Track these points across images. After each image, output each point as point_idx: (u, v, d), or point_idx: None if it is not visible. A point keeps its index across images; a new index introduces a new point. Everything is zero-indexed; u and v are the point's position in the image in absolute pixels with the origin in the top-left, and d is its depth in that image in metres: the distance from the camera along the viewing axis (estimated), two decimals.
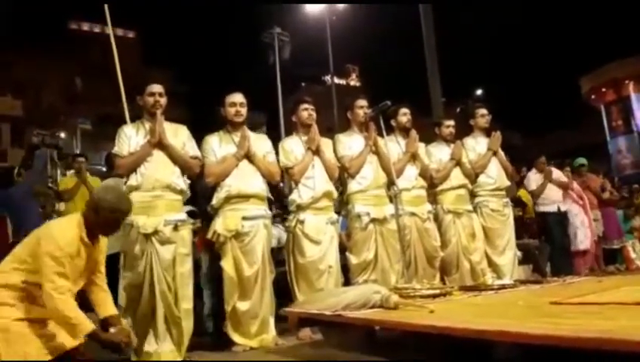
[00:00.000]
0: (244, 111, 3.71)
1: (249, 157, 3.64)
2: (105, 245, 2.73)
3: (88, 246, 2.53)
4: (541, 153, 6.49)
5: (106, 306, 2.67)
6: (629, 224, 7.72)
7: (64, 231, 2.44)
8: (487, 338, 1.95)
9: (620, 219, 7.48)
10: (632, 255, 7.44)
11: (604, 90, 24.64)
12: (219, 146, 3.66)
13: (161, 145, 3.33)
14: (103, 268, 2.72)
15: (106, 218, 2.53)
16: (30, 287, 2.42)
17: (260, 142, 3.79)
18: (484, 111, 4.92)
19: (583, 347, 1.61)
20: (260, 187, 3.64)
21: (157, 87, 3.41)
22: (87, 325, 2.36)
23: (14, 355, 2.28)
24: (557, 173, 6.36)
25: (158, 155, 3.33)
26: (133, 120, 3.53)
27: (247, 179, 3.59)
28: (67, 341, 2.46)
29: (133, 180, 3.28)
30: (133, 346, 2.72)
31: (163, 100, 3.40)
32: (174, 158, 3.36)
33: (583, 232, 6.41)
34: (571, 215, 6.31)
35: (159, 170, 3.30)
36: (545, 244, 6.27)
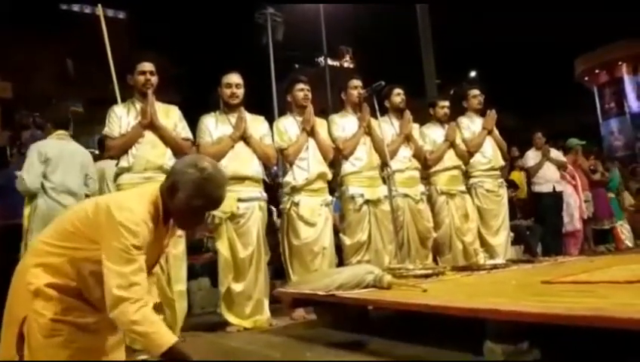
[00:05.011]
0: (240, 92, 3.66)
1: (245, 139, 3.60)
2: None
3: (161, 232, 1.82)
4: (536, 131, 6.49)
5: None
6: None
7: (137, 210, 1.70)
8: (480, 317, 1.96)
9: (609, 200, 7.53)
10: (622, 235, 7.53)
11: (597, 71, 24.60)
12: (215, 127, 3.62)
13: (152, 126, 3.29)
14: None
15: (179, 204, 1.74)
16: (75, 274, 1.73)
17: (256, 124, 3.75)
18: (475, 92, 4.90)
19: (576, 324, 1.63)
20: (256, 169, 3.62)
21: (148, 66, 3.35)
22: (166, 338, 1.64)
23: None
24: (555, 153, 6.41)
25: (149, 136, 3.29)
26: (124, 101, 3.47)
27: (242, 161, 3.56)
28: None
29: (124, 162, 3.26)
30: None
31: (154, 79, 3.35)
32: (166, 139, 3.33)
33: (575, 213, 6.49)
34: (565, 195, 6.36)
35: (151, 152, 3.27)
36: (537, 225, 6.31)
